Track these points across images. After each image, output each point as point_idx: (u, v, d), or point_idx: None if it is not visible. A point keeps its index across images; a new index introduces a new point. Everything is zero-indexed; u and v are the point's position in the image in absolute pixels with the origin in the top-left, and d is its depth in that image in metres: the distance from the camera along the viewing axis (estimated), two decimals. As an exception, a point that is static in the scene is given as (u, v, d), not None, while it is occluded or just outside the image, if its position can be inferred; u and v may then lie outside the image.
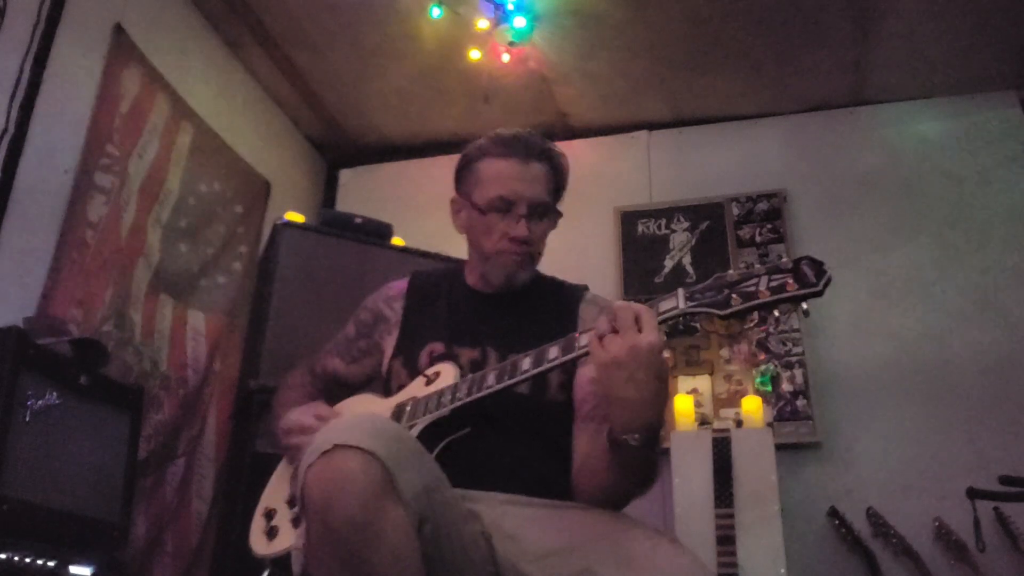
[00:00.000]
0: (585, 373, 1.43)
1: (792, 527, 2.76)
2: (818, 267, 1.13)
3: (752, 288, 1.16)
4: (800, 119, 3.71)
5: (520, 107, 3.69)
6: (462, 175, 1.59)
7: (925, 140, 3.54)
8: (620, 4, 3.16)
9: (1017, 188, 3.36)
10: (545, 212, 1.52)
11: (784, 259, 1.17)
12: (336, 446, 1.01)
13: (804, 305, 1.14)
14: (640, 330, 1.15)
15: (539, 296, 1.58)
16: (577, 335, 1.27)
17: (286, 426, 1.50)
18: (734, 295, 1.17)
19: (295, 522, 1.39)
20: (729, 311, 1.17)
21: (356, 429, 1.05)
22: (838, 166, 3.58)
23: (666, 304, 1.22)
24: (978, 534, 2.50)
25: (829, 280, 1.12)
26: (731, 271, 1.20)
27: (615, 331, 1.16)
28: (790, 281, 1.14)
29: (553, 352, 1.28)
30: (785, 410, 3.19)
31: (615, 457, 1.23)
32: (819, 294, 1.12)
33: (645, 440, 1.18)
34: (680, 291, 1.21)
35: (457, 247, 2.16)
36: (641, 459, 1.23)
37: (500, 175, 1.51)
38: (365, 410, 1.50)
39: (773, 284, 1.15)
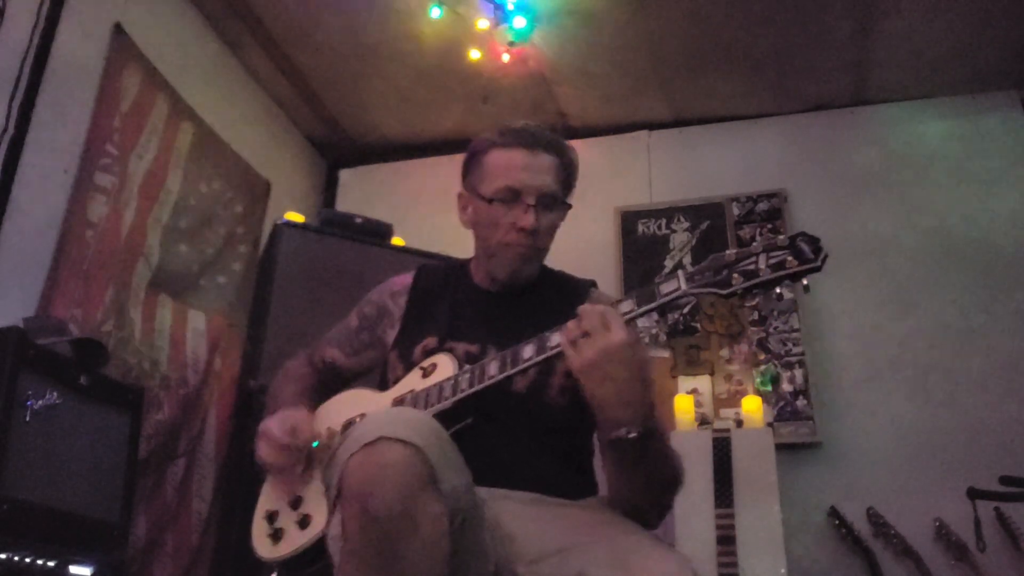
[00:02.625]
0: None
1: (792, 527, 2.76)
2: (815, 243, 1.15)
3: (752, 266, 1.17)
4: (800, 119, 3.71)
5: (520, 107, 3.69)
6: (469, 168, 1.57)
7: (926, 140, 3.54)
8: (620, 4, 3.16)
9: (1019, 188, 3.35)
10: (553, 203, 1.50)
11: (780, 236, 1.17)
12: (381, 437, 1.02)
13: (804, 281, 1.15)
14: (608, 329, 1.17)
15: (544, 292, 1.57)
16: (549, 335, 1.27)
17: (264, 428, 1.48)
18: (735, 274, 1.18)
19: (301, 523, 1.37)
20: (731, 290, 1.18)
21: (400, 422, 1.06)
22: (838, 166, 3.58)
23: (667, 287, 1.22)
24: (978, 534, 2.50)
25: (826, 256, 1.13)
26: (728, 251, 1.21)
27: (586, 334, 1.18)
28: (790, 258, 1.15)
29: (555, 339, 1.27)
30: (785, 410, 3.19)
31: (620, 459, 1.24)
32: (818, 270, 1.14)
33: (638, 431, 1.18)
34: (680, 273, 1.22)
35: (458, 247, 2.15)
36: (645, 454, 1.22)
37: (507, 165, 1.49)
38: (357, 406, 1.49)
39: (772, 262, 1.16)
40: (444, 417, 1.32)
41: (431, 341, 1.49)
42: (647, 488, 1.30)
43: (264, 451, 1.45)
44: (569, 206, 1.54)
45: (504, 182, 1.48)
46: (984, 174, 3.41)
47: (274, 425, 1.46)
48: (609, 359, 1.16)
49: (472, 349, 1.46)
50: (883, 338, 3.26)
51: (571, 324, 1.21)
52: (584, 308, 1.21)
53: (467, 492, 1.09)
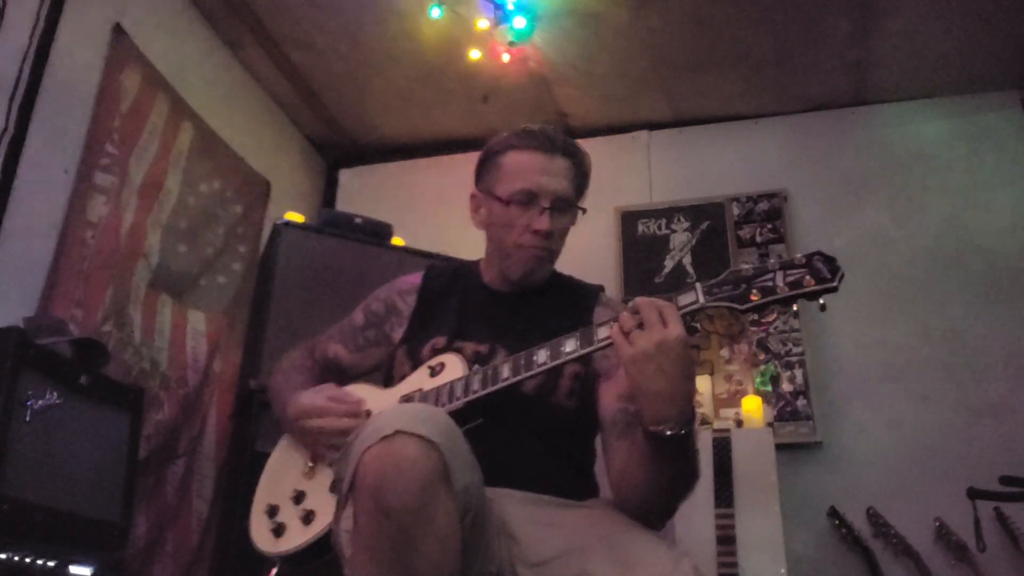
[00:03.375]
0: (611, 390, 1.42)
1: (792, 527, 2.76)
2: (831, 263, 1.17)
3: (770, 283, 1.19)
4: (800, 119, 3.71)
5: (520, 107, 3.69)
6: (484, 169, 1.58)
7: (926, 140, 3.54)
8: (620, 4, 3.16)
9: (1018, 188, 3.35)
10: (567, 207, 1.52)
11: (798, 255, 1.20)
12: (397, 431, 1.02)
13: (821, 300, 1.18)
14: (665, 324, 1.18)
15: (554, 295, 1.57)
16: (596, 327, 1.27)
17: (300, 408, 1.47)
18: (753, 290, 1.19)
19: (305, 519, 1.37)
20: (749, 306, 1.19)
21: (417, 417, 1.06)
22: (838, 166, 3.58)
23: (685, 299, 1.23)
24: (978, 534, 2.49)
25: (843, 276, 1.16)
26: (745, 265, 1.23)
27: (640, 326, 1.18)
28: (807, 277, 1.17)
29: (570, 345, 1.28)
30: (785, 410, 3.19)
31: (652, 454, 1.23)
32: (835, 290, 1.16)
33: (679, 430, 1.19)
34: (698, 286, 1.24)
35: (458, 247, 2.16)
36: (679, 451, 1.22)
37: (524, 168, 1.50)
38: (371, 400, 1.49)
39: (790, 279, 1.18)
40: (454, 417, 1.33)
41: (440, 340, 1.50)
42: (669, 487, 1.29)
43: (323, 423, 1.43)
44: (582, 210, 1.56)
45: (521, 184, 1.49)
46: (984, 174, 3.41)
47: (319, 399, 1.46)
48: (664, 353, 1.16)
49: (481, 349, 1.46)
50: (883, 338, 3.26)
51: (625, 315, 1.21)
52: (641, 300, 1.21)
53: (477, 490, 1.10)
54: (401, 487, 1.00)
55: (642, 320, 1.19)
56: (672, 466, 1.25)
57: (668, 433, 1.18)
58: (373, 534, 1.01)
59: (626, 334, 1.19)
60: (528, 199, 1.48)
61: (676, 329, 1.17)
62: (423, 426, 1.04)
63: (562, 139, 1.54)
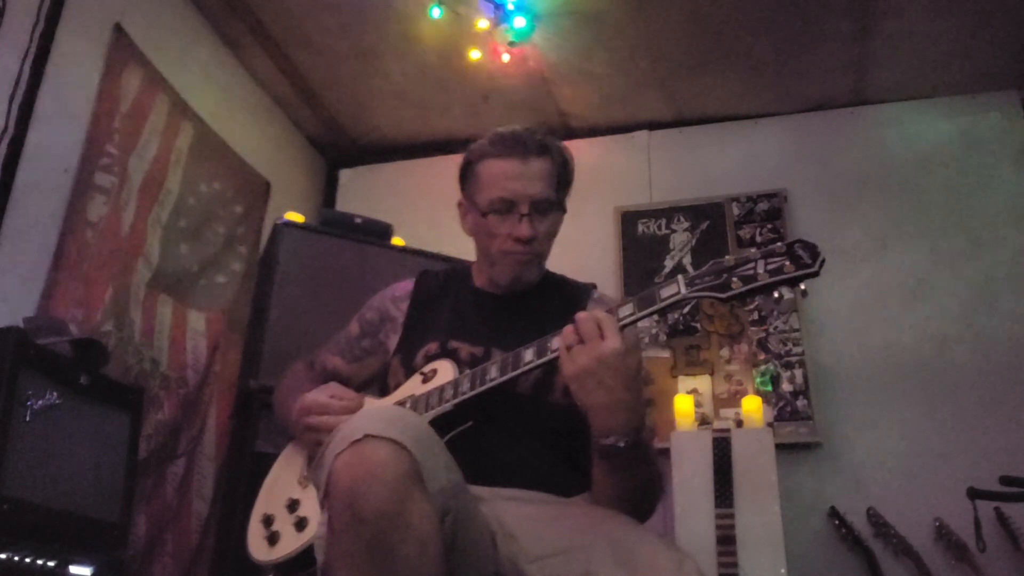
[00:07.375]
0: None
1: (792, 527, 2.76)
2: (812, 249, 1.16)
3: (751, 271, 1.19)
4: (800, 119, 3.71)
5: (520, 107, 3.69)
6: (465, 177, 1.58)
7: (926, 140, 3.54)
8: (620, 4, 3.16)
9: (1018, 188, 3.35)
10: (548, 208, 1.51)
11: (779, 244, 1.19)
12: (367, 436, 1.02)
13: (802, 286, 1.18)
14: (603, 337, 1.18)
15: (546, 295, 1.58)
16: (549, 339, 1.29)
17: (303, 406, 1.47)
18: (734, 279, 1.20)
19: (298, 526, 1.38)
20: (730, 294, 1.19)
21: (387, 421, 1.06)
22: (838, 166, 3.58)
23: (667, 291, 1.24)
24: (978, 534, 2.49)
25: (823, 261, 1.15)
26: (728, 256, 1.23)
27: (581, 341, 1.19)
28: (787, 263, 1.17)
29: (556, 343, 1.28)
30: (785, 410, 3.19)
31: (605, 465, 1.26)
32: (815, 274, 1.16)
33: (628, 442, 1.21)
34: (680, 277, 1.24)
35: (457, 247, 2.16)
36: (633, 461, 1.25)
37: (498, 176, 1.50)
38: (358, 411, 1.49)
39: (771, 267, 1.18)
40: (445, 420, 1.33)
41: (432, 346, 1.50)
42: (629, 496, 1.31)
43: (321, 420, 1.43)
44: (564, 209, 1.56)
45: (497, 193, 1.49)
46: (984, 174, 3.41)
47: (321, 396, 1.47)
48: (603, 366, 1.17)
49: (476, 351, 1.47)
50: (883, 338, 3.26)
51: (568, 330, 1.22)
52: (580, 315, 1.22)
53: (456, 491, 1.09)
54: (374, 492, 0.99)
55: (580, 335, 1.20)
56: (630, 476, 1.27)
57: (620, 444, 1.20)
58: (351, 541, 1.00)
59: (568, 349, 1.21)
60: (506, 207, 1.48)
61: (612, 342, 1.18)
62: (393, 429, 1.03)
63: (536, 140, 1.52)
